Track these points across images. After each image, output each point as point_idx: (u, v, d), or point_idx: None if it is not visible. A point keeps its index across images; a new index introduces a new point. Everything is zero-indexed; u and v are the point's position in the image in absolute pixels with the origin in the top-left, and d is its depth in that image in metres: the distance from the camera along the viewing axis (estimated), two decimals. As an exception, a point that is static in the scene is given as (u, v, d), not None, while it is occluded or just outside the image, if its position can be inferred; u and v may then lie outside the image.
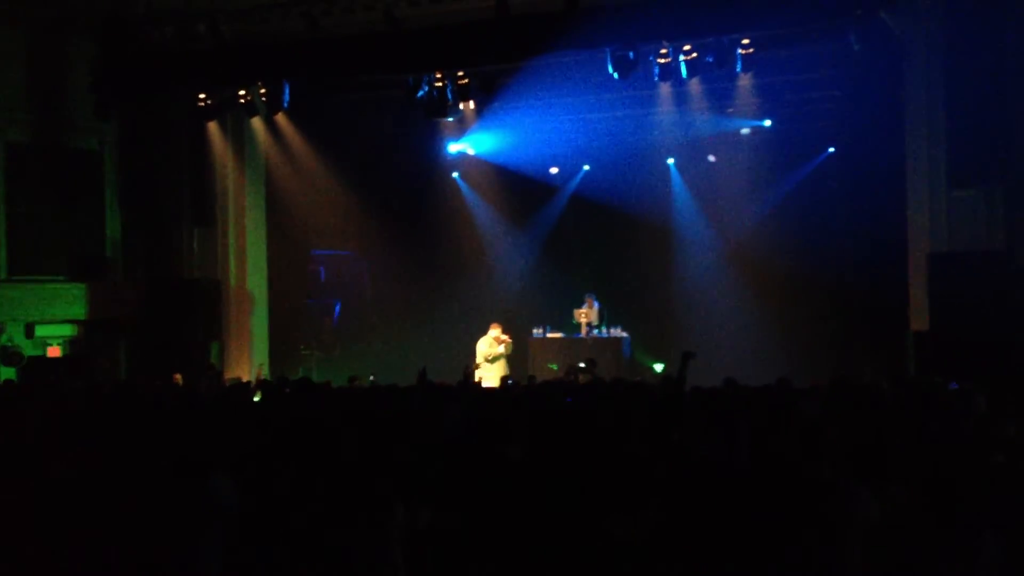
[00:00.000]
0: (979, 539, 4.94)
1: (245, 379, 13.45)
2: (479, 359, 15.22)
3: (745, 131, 16.90)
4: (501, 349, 15.39)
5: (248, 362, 16.40)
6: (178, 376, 12.48)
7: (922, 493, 5.21)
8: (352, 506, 5.48)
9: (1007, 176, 12.65)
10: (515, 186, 18.45)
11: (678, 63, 13.57)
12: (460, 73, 14.64)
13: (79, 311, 15.67)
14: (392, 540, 5.35)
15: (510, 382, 10.86)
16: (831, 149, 16.78)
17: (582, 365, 13.02)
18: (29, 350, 15.17)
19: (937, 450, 5.79)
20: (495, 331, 15.52)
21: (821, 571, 5.08)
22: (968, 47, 12.56)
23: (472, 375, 10.59)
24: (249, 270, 16.94)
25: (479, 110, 16.22)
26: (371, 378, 13.36)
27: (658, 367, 16.02)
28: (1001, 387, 8.37)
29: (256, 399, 9.94)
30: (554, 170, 18.59)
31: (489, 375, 14.66)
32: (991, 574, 4.87)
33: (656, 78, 13.91)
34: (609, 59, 13.54)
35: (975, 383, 8.34)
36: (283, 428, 7.32)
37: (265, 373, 15.32)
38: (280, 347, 17.24)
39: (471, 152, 18.59)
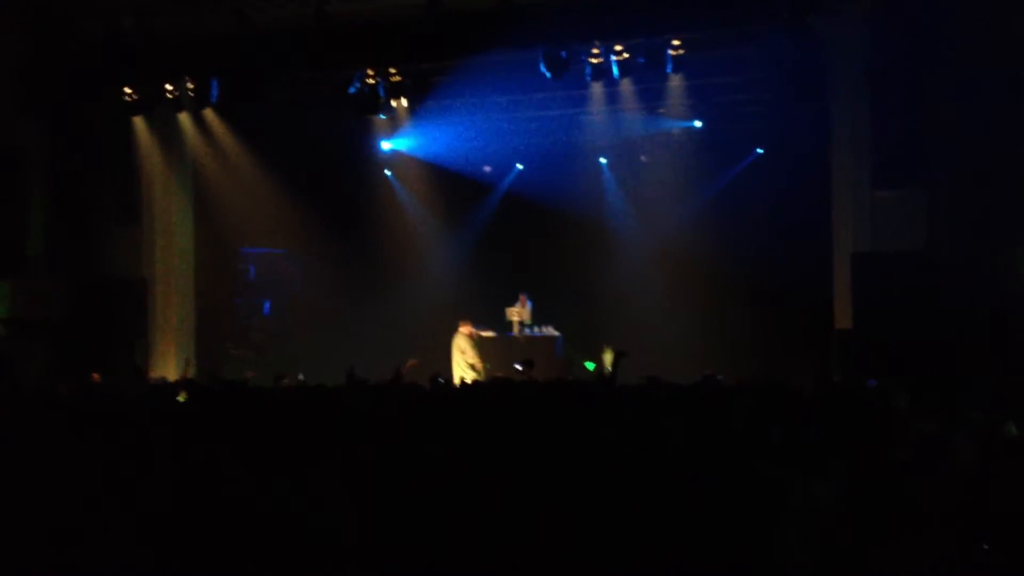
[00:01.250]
0: (902, 536, 5.03)
1: (171, 379, 13.21)
2: (468, 361, 15.10)
3: (676, 131, 17.08)
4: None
5: (174, 361, 16.12)
6: (96, 375, 12.20)
7: (844, 490, 5.29)
8: (285, 505, 5.42)
9: (929, 177, 12.95)
10: (448, 184, 18.45)
11: (610, 63, 13.72)
12: (392, 70, 14.57)
13: (0, 310, 15.27)
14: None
15: (440, 380, 10.83)
16: (759, 150, 17.07)
17: (519, 368, 13.07)
18: (-52, 351, 14.76)
19: (856, 447, 5.90)
20: (466, 329, 15.39)
21: (758, 566, 5.12)
22: (891, 52, 12.85)
23: (402, 375, 10.53)
24: (176, 268, 16.64)
25: (412, 108, 16.12)
26: (300, 377, 13.22)
27: (590, 366, 16.10)
28: (923, 385, 8.55)
29: (181, 399, 9.76)
30: (487, 168, 18.62)
31: (469, 375, 14.44)
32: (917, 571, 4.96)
33: (588, 78, 14.03)
34: (542, 59, 13.63)
35: (898, 381, 8.50)
36: (210, 427, 7.21)
37: (192, 371, 15.06)
38: (208, 346, 16.96)
39: (404, 150, 18.52)
